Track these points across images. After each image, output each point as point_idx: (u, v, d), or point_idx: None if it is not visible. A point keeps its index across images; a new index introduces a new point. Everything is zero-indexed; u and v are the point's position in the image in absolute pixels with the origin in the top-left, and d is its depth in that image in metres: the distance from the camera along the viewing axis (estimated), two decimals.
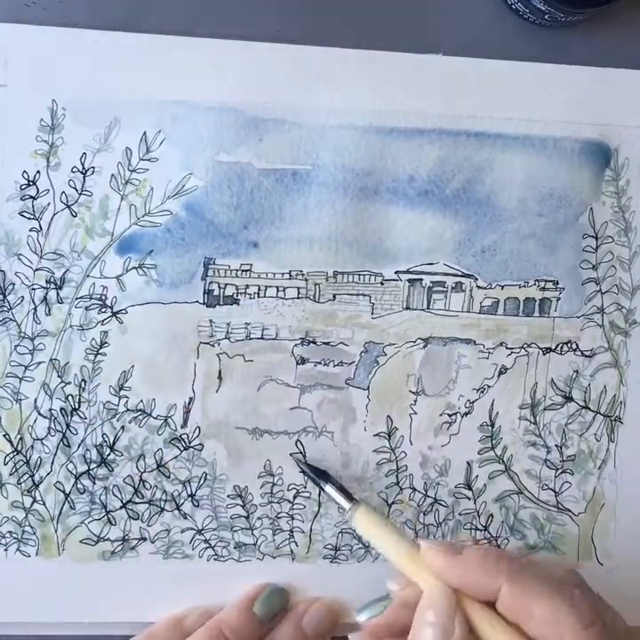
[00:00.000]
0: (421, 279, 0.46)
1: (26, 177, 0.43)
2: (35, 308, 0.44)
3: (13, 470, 0.44)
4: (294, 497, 0.45)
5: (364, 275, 0.45)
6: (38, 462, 0.44)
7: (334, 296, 0.45)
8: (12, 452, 0.44)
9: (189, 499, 0.45)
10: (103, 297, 0.44)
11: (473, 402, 0.46)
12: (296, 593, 0.45)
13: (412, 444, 0.46)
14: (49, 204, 0.43)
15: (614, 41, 0.47)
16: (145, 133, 0.44)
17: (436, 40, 0.45)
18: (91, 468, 0.44)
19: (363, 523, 0.41)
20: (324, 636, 0.44)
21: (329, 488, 0.43)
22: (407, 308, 0.46)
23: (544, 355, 0.46)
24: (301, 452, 0.45)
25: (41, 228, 0.43)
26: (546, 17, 0.44)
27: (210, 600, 0.44)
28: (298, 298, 0.45)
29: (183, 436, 0.45)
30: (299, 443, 0.45)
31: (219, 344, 0.45)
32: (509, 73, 0.45)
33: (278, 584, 0.45)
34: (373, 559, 0.46)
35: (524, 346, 0.46)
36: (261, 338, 0.45)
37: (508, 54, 0.45)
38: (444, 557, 0.37)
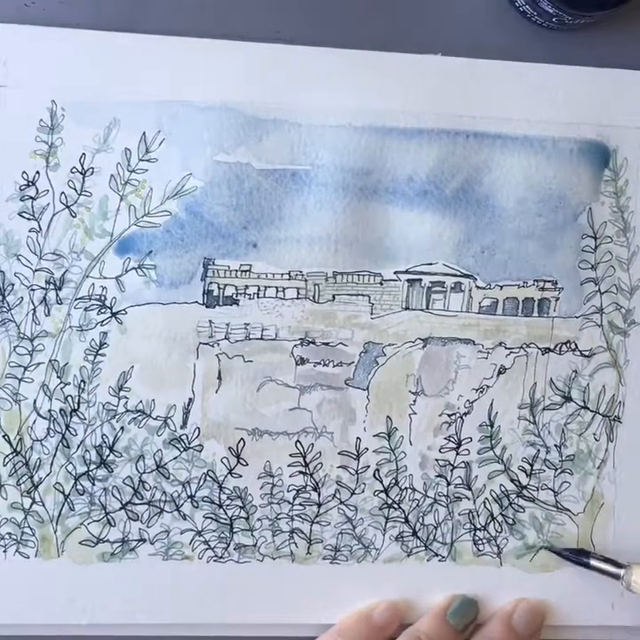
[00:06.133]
0: (420, 279, 0.46)
1: (25, 177, 0.43)
2: (34, 309, 0.43)
3: (13, 471, 0.44)
4: (294, 498, 0.45)
5: (364, 275, 0.45)
6: (37, 463, 0.44)
7: (334, 296, 0.45)
8: (12, 453, 0.44)
9: (189, 500, 0.45)
10: (102, 297, 0.44)
11: (472, 402, 0.46)
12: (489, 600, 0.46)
13: (411, 444, 0.46)
14: (48, 204, 0.43)
15: (617, 43, 0.47)
16: (144, 134, 0.44)
17: (438, 41, 0.45)
18: (90, 468, 0.44)
19: None
20: (533, 636, 0.45)
21: (594, 562, 0.45)
22: (406, 309, 0.46)
23: (543, 355, 0.47)
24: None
25: (40, 229, 0.43)
26: (553, 20, 0.44)
27: (209, 601, 0.44)
28: (297, 298, 0.45)
29: (183, 437, 0.45)
30: (298, 443, 0.45)
31: (218, 344, 0.45)
32: (509, 73, 0.45)
33: (468, 594, 0.46)
34: (373, 559, 0.46)
35: (523, 346, 0.46)
36: (261, 338, 0.45)
37: (512, 56, 0.45)
38: None
